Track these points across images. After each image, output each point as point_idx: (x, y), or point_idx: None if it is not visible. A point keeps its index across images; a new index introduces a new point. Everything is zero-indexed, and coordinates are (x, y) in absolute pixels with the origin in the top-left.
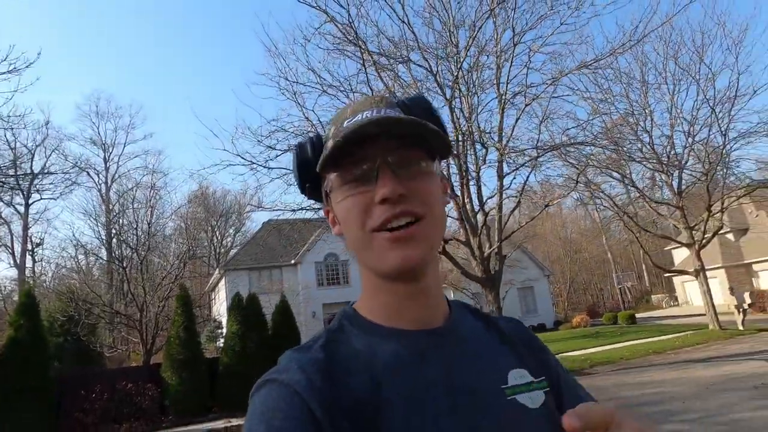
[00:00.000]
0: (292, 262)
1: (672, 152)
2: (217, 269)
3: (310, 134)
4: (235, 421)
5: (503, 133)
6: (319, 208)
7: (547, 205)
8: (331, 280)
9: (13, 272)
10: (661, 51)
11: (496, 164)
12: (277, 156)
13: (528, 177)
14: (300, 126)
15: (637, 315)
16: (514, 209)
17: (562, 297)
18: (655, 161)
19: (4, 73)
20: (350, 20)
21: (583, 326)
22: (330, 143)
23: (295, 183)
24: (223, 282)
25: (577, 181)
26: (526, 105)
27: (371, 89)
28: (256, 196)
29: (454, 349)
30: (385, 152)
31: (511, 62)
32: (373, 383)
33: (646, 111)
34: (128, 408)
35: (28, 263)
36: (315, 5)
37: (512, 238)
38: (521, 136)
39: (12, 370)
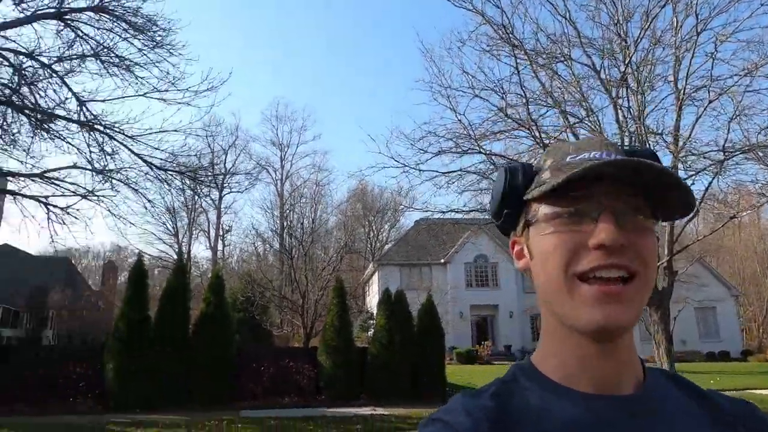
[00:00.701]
0: (442, 261)
1: None
2: (372, 263)
3: (521, 161)
4: (380, 410)
5: (679, 134)
6: (467, 211)
7: (733, 216)
8: (479, 282)
9: (208, 253)
10: None
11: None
12: (427, 159)
13: (710, 183)
14: (452, 129)
15: None
16: (689, 219)
17: (756, 322)
18: None
19: (204, 91)
20: (506, 21)
21: None
22: (547, 174)
23: (492, 206)
24: (376, 276)
25: None
26: (711, 101)
27: (524, 90)
28: (408, 195)
29: (648, 422)
30: (612, 196)
31: (693, 53)
32: None
33: None
34: (289, 384)
35: (219, 246)
36: (471, 8)
37: (688, 251)
38: (700, 136)
39: (203, 342)
